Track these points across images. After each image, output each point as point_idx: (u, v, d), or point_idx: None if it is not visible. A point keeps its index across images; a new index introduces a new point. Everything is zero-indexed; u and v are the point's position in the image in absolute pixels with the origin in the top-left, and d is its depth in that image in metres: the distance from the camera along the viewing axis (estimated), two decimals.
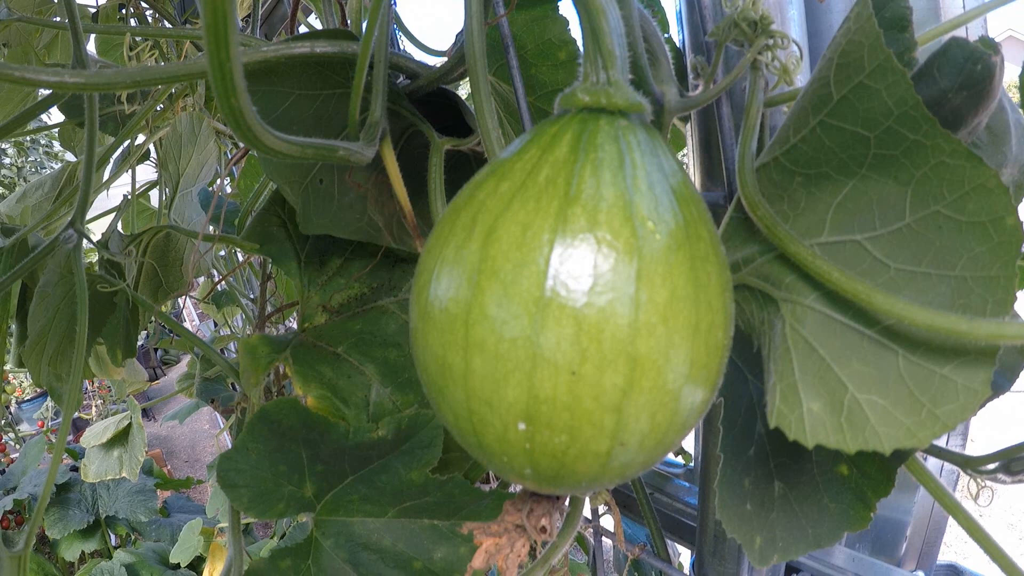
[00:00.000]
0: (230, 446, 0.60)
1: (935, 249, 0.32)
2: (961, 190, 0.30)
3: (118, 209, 1.17)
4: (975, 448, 0.48)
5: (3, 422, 4.64)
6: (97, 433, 1.97)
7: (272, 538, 2.45)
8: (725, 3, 0.42)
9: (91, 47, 1.34)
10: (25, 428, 5.47)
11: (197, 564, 2.63)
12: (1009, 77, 0.38)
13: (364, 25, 0.51)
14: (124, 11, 1.23)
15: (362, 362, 0.63)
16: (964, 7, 0.51)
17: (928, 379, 0.31)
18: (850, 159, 0.34)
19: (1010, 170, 0.40)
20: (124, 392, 1.81)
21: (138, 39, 1.12)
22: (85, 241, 0.83)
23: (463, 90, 0.60)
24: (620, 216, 0.28)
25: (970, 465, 0.43)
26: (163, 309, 1.26)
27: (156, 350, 6.54)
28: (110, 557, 2.87)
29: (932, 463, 0.60)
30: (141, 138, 1.23)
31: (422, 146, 0.56)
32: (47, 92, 0.83)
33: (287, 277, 0.77)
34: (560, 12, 0.60)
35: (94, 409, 4.32)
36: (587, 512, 0.74)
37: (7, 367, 1.09)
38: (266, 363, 0.62)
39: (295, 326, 0.70)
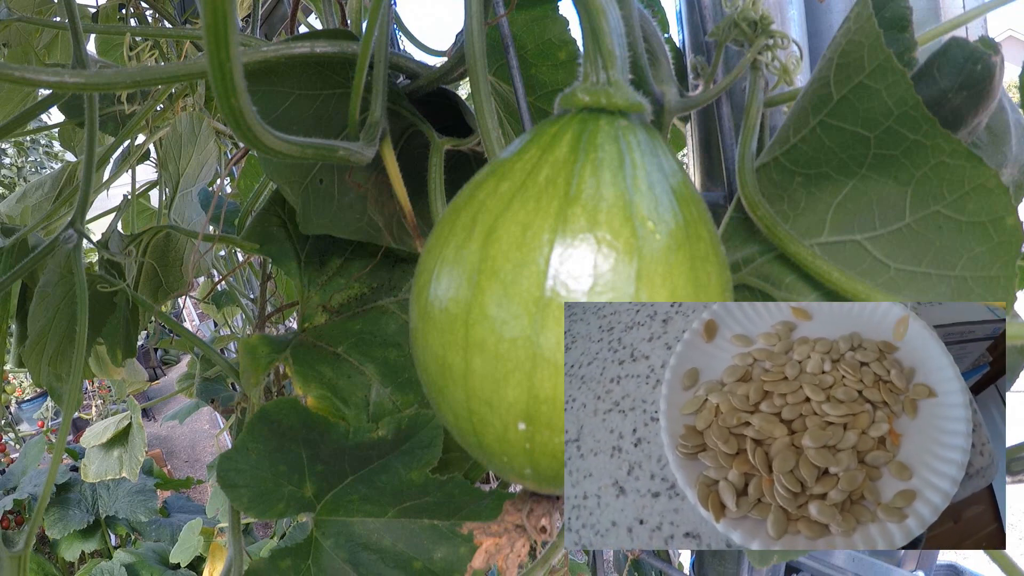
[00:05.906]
0: (230, 446, 0.60)
1: (935, 249, 0.32)
2: (961, 190, 0.30)
3: (118, 209, 1.17)
4: None
5: (3, 422, 4.64)
6: (97, 433, 1.97)
7: (272, 538, 2.45)
8: (725, 3, 0.42)
9: (91, 47, 1.34)
10: (25, 428, 5.47)
11: (197, 564, 2.63)
12: (1009, 77, 0.38)
13: (364, 25, 0.51)
14: (124, 11, 1.23)
15: (362, 362, 0.63)
16: (964, 7, 0.51)
17: None
18: (850, 159, 0.34)
19: (1010, 170, 0.40)
20: (124, 392, 1.81)
21: (138, 39, 1.12)
22: (85, 241, 0.83)
23: (463, 90, 0.60)
24: (620, 216, 0.28)
25: None
26: (163, 309, 1.26)
27: (156, 350, 6.54)
28: (110, 557, 2.87)
29: None
30: (141, 138, 1.23)
31: (422, 146, 0.56)
32: (47, 92, 0.83)
33: (287, 277, 0.77)
34: (560, 12, 0.60)
35: (94, 409, 4.32)
36: None
37: (7, 367, 1.09)
38: (266, 363, 0.62)
39: (295, 326, 0.70)
